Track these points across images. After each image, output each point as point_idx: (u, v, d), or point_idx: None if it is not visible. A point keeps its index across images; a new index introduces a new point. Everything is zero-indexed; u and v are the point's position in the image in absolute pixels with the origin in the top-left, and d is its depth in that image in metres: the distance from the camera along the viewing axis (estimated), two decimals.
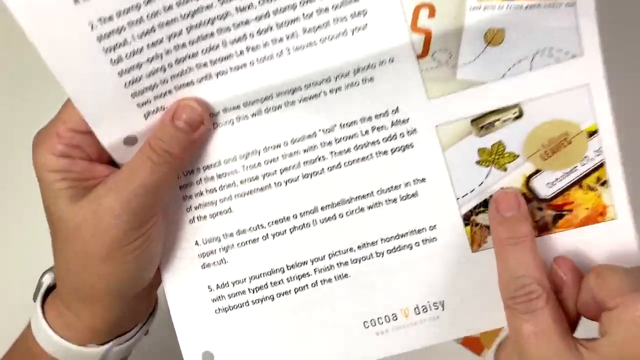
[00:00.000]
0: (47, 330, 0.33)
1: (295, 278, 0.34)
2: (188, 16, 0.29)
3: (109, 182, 0.31)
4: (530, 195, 0.31)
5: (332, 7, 0.28)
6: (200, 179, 0.33)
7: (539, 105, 0.29)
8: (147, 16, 0.28)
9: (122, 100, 0.30)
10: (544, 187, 0.31)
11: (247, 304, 0.34)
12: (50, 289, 0.35)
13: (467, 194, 0.32)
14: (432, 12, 0.28)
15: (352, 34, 0.29)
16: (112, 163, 0.33)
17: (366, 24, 0.29)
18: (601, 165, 0.30)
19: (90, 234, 0.30)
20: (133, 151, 0.32)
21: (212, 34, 0.29)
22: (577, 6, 0.26)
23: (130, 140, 0.32)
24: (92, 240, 0.31)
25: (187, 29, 0.29)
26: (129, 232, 0.31)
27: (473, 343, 0.54)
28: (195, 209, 0.34)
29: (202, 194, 0.33)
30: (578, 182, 0.30)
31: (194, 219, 0.34)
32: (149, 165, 0.30)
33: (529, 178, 0.31)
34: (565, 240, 0.31)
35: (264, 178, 0.33)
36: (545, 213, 0.31)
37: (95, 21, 0.28)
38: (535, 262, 0.29)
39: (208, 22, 0.29)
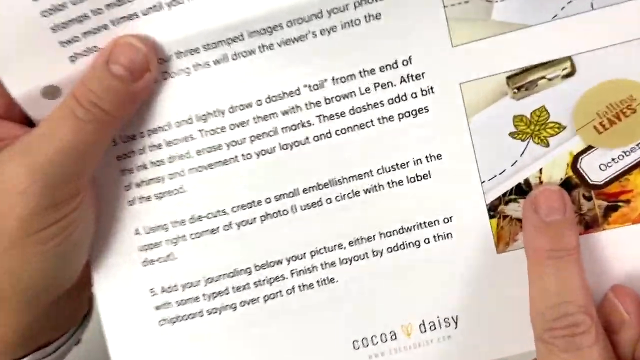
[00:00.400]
0: None
1: (265, 282, 0.25)
2: None
3: (17, 145, 0.23)
4: (576, 180, 0.24)
5: None
6: (144, 147, 0.25)
7: (598, 60, 0.22)
8: None
9: (39, 36, 0.23)
10: (596, 169, 0.24)
11: (200, 314, 0.26)
12: None
13: (495, 176, 0.24)
14: None
15: None
16: (28, 121, 0.24)
17: None
18: None
19: None
20: (54, 106, 0.23)
21: None
22: None
23: (50, 91, 0.24)
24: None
25: None
26: (43, 213, 0.22)
27: None
28: (137, 186, 0.26)
29: (145, 167, 0.25)
30: None
31: (134, 200, 0.26)
32: (72, 123, 0.23)
33: (576, 157, 0.24)
34: (619, 241, 0.24)
35: (228, 148, 0.25)
36: (596, 203, 0.24)
37: None
38: (582, 285, 0.22)
39: None
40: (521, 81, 0.23)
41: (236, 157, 0.25)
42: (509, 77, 0.23)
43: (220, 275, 0.26)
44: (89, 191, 0.24)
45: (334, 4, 0.23)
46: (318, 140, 0.24)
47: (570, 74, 0.23)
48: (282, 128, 0.25)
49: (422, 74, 0.23)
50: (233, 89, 0.24)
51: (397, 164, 0.24)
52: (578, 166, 0.24)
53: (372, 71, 0.24)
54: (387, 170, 0.25)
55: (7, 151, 0.23)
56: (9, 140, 0.24)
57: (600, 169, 0.24)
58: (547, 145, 0.24)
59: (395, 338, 0.25)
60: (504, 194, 0.24)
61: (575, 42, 0.22)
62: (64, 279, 0.25)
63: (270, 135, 0.25)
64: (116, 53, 0.23)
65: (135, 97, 0.24)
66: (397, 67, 0.24)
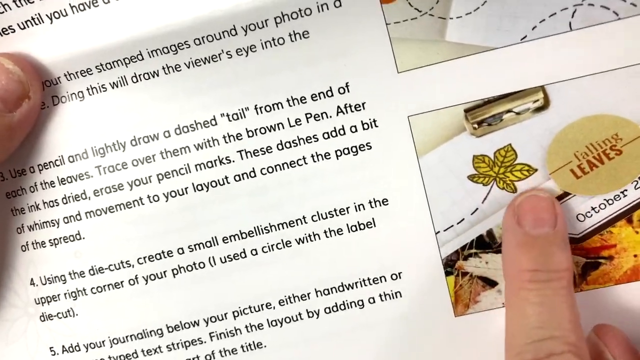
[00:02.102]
0: None
1: (180, 345, 0.22)
2: None
3: None
4: None
5: None
6: (35, 184, 0.21)
7: (577, 91, 0.18)
8: None
9: None
10: (573, 220, 0.19)
11: None
12: None
13: (452, 226, 0.20)
14: None
15: None
16: None
17: None
18: None
19: None
20: None
21: None
22: None
23: None
24: None
25: None
26: None
27: None
28: (30, 229, 0.22)
29: (38, 207, 0.21)
30: (627, 215, 0.19)
31: (27, 245, 0.22)
32: None
33: None
34: (599, 304, 0.20)
35: (131, 188, 0.21)
36: (574, 260, 0.20)
37: None
38: (572, 318, 0.18)
39: None
40: (482, 115, 0.19)
41: (141, 199, 0.21)
42: (467, 110, 0.19)
43: (127, 336, 0.22)
44: None
45: (249, 19, 0.18)
46: (240, 180, 0.20)
47: (543, 107, 0.18)
48: (196, 165, 0.20)
49: (363, 104, 0.19)
50: (136, 118, 0.20)
51: (335, 210, 0.20)
52: None
53: (302, 99, 0.19)
54: (324, 217, 0.20)
55: None
56: None
57: (579, 219, 0.19)
58: (514, 190, 0.19)
59: None
60: (463, 248, 0.20)
61: (550, 69, 0.18)
62: None
63: (182, 174, 0.20)
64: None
65: (13, 130, 0.19)
66: (332, 95, 0.19)
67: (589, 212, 0.19)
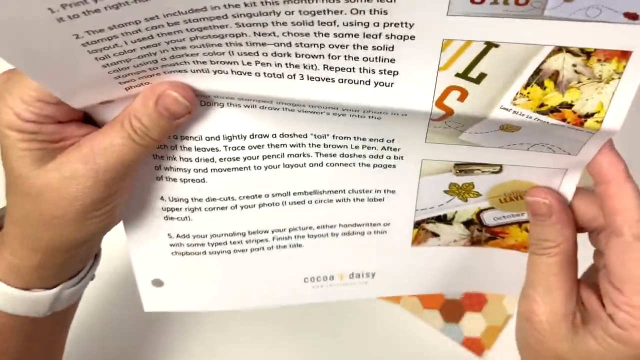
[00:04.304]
0: None
1: (253, 241, 0.36)
2: (199, 30, 0.25)
3: (84, 151, 0.29)
4: (476, 221, 0.35)
5: (363, 58, 0.26)
6: (176, 146, 0.32)
7: (518, 170, 0.32)
8: (147, 29, 0.24)
9: (103, 81, 0.28)
10: (490, 219, 0.35)
11: (204, 253, 0.37)
12: None
13: (425, 208, 0.35)
14: (462, 97, 0.27)
15: (375, 86, 0.27)
16: (85, 118, 0.30)
17: (392, 83, 0.27)
18: None
19: (56, 197, 0.30)
20: (110, 110, 0.30)
21: (219, 43, 0.26)
22: (596, 135, 0.28)
23: (106, 102, 0.29)
24: (58, 203, 0.30)
25: (193, 39, 0.26)
26: (97, 203, 0.30)
27: (474, 344, 0.55)
28: (166, 169, 0.33)
29: (174, 158, 0.33)
30: (518, 223, 0.35)
31: (162, 177, 0.33)
32: (129, 145, 0.29)
33: (482, 211, 0.35)
34: (488, 254, 0.37)
35: (244, 160, 0.33)
36: (482, 234, 0.36)
37: (81, 33, 0.24)
38: None
39: (224, 36, 0.26)
40: (464, 168, 0.32)
41: (249, 167, 0.33)
42: (456, 164, 0.32)
43: (222, 234, 0.36)
44: (130, 183, 0.32)
45: (348, 107, 0.29)
46: (312, 166, 0.33)
47: (498, 172, 0.33)
48: (288, 154, 0.33)
49: (398, 149, 0.32)
50: (256, 124, 0.31)
51: (363, 189, 0.34)
52: (480, 215, 0.35)
53: (363, 139, 0.32)
54: (355, 192, 0.34)
55: (75, 155, 0.29)
56: (72, 139, 0.30)
57: (494, 219, 0.35)
58: (466, 201, 0.34)
59: (333, 279, 0.39)
60: (428, 218, 0.36)
61: (510, 160, 0.31)
62: (99, 237, 0.34)
63: (278, 157, 0.33)
64: (165, 101, 0.28)
65: (176, 128, 0.30)
66: (382, 141, 0.32)
67: (500, 217, 0.35)
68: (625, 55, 0.25)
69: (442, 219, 0.36)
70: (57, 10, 0.22)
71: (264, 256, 0.37)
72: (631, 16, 0.24)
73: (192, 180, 0.33)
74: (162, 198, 0.34)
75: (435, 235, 0.37)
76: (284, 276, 0.38)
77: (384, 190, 0.34)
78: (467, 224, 0.36)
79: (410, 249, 0.37)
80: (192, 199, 0.34)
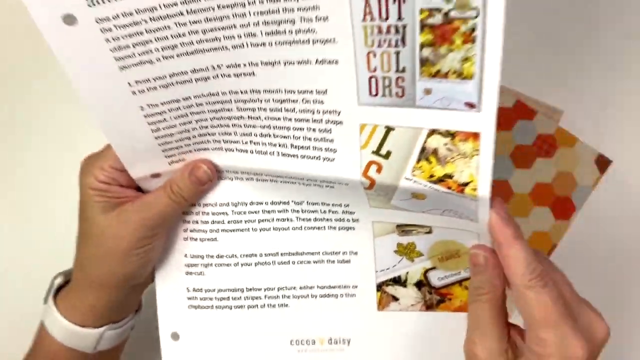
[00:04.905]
0: (55, 313, 0.43)
1: (249, 298, 0.46)
2: (215, 112, 0.40)
3: (137, 204, 0.43)
4: (425, 282, 0.44)
5: (314, 138, 0.39)
6: (199, 212, 0.45)
7: (443, 231, 0.42)
8: (185, 107, 0.40)
9: (155, 153, 0.42)
10: (435, 279, 0.44)
11: (211, 307, 0.47)
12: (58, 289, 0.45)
13: (383, 270, 0.45)
14: (379, 169, 0.38)
15: (323, 161, 0.39)
16: (138, 188, 0.45)
17: (334, 159, 0.39)
18: None
19: (112, 235, 0.42)
20: (156, 182, 0.44)
21: (227, 124, 0.41)
22: (478, 201, 0.36)
23: (155, 175, 0.44)
24: (113, 240, 0.42)
25: (212, 119, 0.41)
26: (141, 241, 0.43)
27: None
28: (190, 231, 0.46)
29: (197, 222, 0.46)
30: (459, 282, 0.44)
31: (187, 238, 0.46)
32: (167, 201, 0.42)
33: (427, 270, 0.44)
34: (442, 318, 0.45)
35: (245, 223, 0.45)
36: (433, 296, 0.44)
37: (145, 106, 0.39)
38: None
39: (231, 118, 0.41)
40: (404, 228, 0.43)
41: (248, 229, 0.45)
42: (398, 226, 0.43)
43: (226, 289, 0.46)
44: (164, 231, 0.45)
45: (310, 177, 0.42)
46: (294, 230, 0.44)
47: (429, 232, 0.43)
48: (277, 219, 0.45)
49: (354, 212, 0.43)
50: (254, 194, 0.44)
51: (333, 251, 0.45)
52: (426, 275, 0.44)
53: (328, 204, 0.43)
54: (328, 254, 0.45)
55: (131, 206, 0.43)
56: (127, 199, 0.43)
57: (439, 279, 0.44)
58: (412, 261, 0.44)
59: (314, 344, 0.46)
60: (386, 280, 0.45)
61: (433, 222, 0.42)
62: (140, 276, 0.45)
63: (269, 222, 0.45)
64: (195, 170, 0.43)
65: (203, 191, 0.44)
66: (341, 206, 0.43)
67: (443, 277, 0.44)
68: (476, 136, 0.33)
69: (398, 281, 0.45)
70: (133, 84, 0.38)
71: (258, 314, 0.46)
72: (470, 105, 0.32)
73: (207, 239, 0.46)
74: (185, 255, 0.46)
75: (395, 299, 0.45)
76: (273, 336, 0.47)
77: (349, 252, 0.45)
78: (419, 285, 0.44)
79: (377, 314, 0.46)
80: (206, 255, 0.46)
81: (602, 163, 0.58)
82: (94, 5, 0.33)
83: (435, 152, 0.35)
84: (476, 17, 0.29)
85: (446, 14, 0.30)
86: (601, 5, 0.59)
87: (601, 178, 0.58)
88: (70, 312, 0.44)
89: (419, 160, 0.36)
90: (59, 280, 0.46)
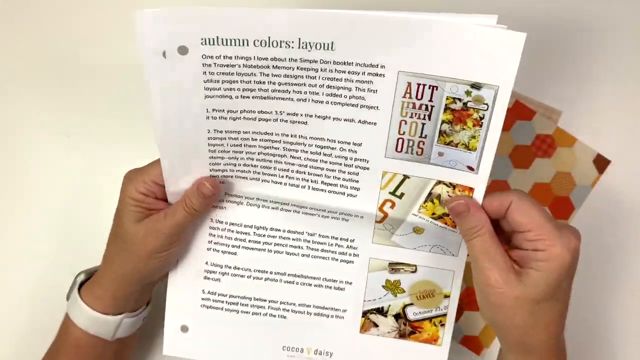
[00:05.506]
0: (81, 304, 0.50)
1: (255, 306, 0.55)
2: (264, 147, 0.51)
3: (161, 214, 0.51)
4: (402, 315, 0.54)
5: (342, 179, 0.50)
6: (225, 229, 0.54)
7: (425, 270, 0.53)
8: (242, 139, 0.49)
9: (202, 172, 0.51)
10: (411, 313, 0.54)
11: (221, 309, 0.55)
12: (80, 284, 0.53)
13: (370, 300, 0.54)
14: (393, 206, 0.50)
15: (347, 197, 0.50)
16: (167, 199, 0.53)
17: (357, 195, 0.50)
18: (444, 315, 0.53)
19: (139, 241, 0.50)
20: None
21: (270, 160, 0.51)
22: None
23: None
24: (140, 245, 0.50)
25: (259, 153, 0.51)
26: (162, 247, 0.51)
27: (472, 342, 0.60)
28: (215, 243, 0.55)
29: (222, 237, 0.54)
30: (430, 319, 0.54)
31: (210, 248, 0.55)
32: (184, 213, 0.50)
33: (406, 306, 0.54)
34: (411, 347, 0.54)
35: (262, 244, 0.54)
36: (407, 328, 0.54)
37: (212, 130, 0.49)
38: None
39: (275, 155, 0.51)
40: (395, 267, 0.53)
41: (264, 249, 0.54)
42: (390, 263, 0.53)
43: (237, 296, 0.54)
44: (183, 241, 0.53)
45: (331, 209, 0.53)
46: (303, 256, 0.54)
47: (414, 271, 0.53)
48: (290, 245, 0.54)
49: (357, 247, 0.53)
50: (274, 221, 0.53)
51: (332, 279, 0.54)
52: (405, 309, 0.54)
53: (336, 237, 0.53)
54: (327, 280, 0.54)
55: (157, 216, 0.50)
56: (158, 209, 0.51)
57: (414, 314, 0.54)
58: (396, 297, 0.54)
59: (303, 352, 0.55)
60: (371, 309, 0.54)
61: (419, 260, 0.52)
62: (156, 276, 0.53)
63: (283, 247, 0.54)
64: (202, 188, 0.50)
65: (209, 204, 0.52)
66: (347, 240, 0.53)
67: (418, 313, 0.54)
68: (471, 189, 0.48)
69: (380, 311, 0.54)
70: (210, 110, 0.48)
71: (260, 320, 0.55)
72: (471, 168, 0.48)
73: (228, 252, 0.55)
74: (206, 263, 0.55)
75: (376, 325, 0.55)
76: (269, 340, 0.55)
77: (345, 282, 0.54)
78: (397, 317, 0.54)
79: (359, 336, 0.55)
80: (225, 265, 0.55)
81: (601, 163, 0.57)
82: (205, 45, 0.43)
83: (439, 196, 0.48)
84: (486, 109, 0.42)
85: (465, 104, 0.42)
86: (600, 6, 0.58)
87: (600, 178, 0.57)
88: (94, 302, 0.52)
89: (425, 202, 0.48)
90: (81, 277, 0.54)
